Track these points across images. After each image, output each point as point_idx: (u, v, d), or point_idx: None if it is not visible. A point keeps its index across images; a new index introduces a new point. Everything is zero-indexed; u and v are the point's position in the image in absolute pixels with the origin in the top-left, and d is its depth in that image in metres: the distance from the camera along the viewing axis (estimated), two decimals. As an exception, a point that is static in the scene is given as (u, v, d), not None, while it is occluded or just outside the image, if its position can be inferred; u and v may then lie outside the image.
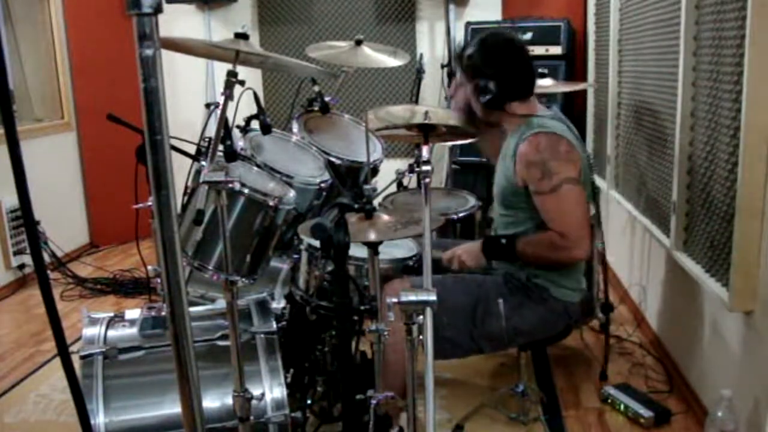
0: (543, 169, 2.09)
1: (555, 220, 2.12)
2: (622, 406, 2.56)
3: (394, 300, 1.40)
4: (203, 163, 2.08)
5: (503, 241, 2.19)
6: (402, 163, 4.61)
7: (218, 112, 2.06)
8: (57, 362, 2.74)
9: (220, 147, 2.03)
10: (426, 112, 1.81)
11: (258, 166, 2.27)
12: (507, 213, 2.25)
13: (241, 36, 2.14)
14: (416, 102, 3.80)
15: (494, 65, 2.16)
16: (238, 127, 2.37)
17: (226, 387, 1.89)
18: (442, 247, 2.35)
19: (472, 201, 2.94)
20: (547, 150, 2.10)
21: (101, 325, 2.04)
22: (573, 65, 4.24)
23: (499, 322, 2.17)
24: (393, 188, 2.75)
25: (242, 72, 2.10)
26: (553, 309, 2.22)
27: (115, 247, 5.06)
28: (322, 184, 2.40)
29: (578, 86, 3.13)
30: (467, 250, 2.25)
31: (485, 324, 2.17)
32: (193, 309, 2.18)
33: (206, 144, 2.18)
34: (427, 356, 1.32)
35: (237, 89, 2.08)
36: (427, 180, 1.67)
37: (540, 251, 2.16)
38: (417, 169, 1.69)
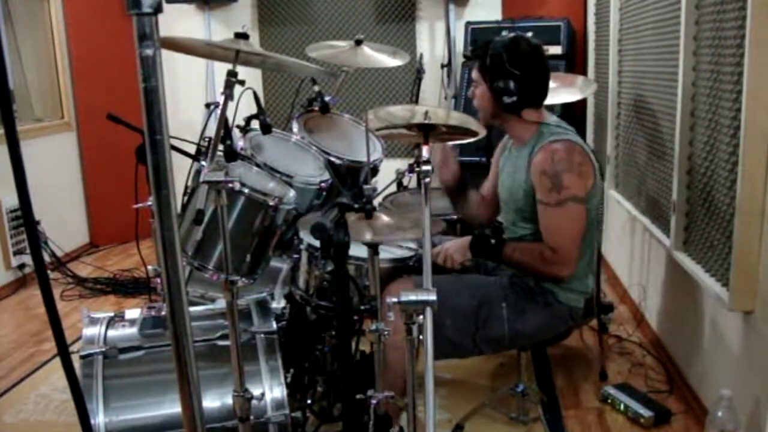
0: (554, 180, 2.09)
1: (551, 234, 2.12)
2: (622, 406, 2.56)
3: (394, 300, 1.40)
4: (203, 163, 2.08)
5: (492, 241, 2.20)
6: (402, 163, 4.61)
7: (218, 111, 2.06)
8: (57, 362, 2.74)
9: (220, 147, 2.03)
10: (426, 112, 1.80)
11: (258, 166, 2.27)
12: (529, 226, 2.23)
13: (241, 36, 2.15)
14: (416, 102, 3.79)
15: (521, 69, 2.13)
16: (238, 126, 2.37)
17: (226, 387, 1.89)
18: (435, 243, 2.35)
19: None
20: (562, 162, 2.09)
21: (101, 325, 2.04)
22: (573, 65, 4.24)
23: (501, 326, 2.17)
24: (393, 188, 2.75)
25: (242, 72, 2.10)
26: (557, 313, 2.22)
27: (115, 247, 5.06)
28: (322, 184, 2.40)
29: (580, 96, 3.13)
30: (455, 244, 2.26)
31: (487, 327, 2.17)
32: (193, 309, 2.18)
33: (206, 144, 2.18)
34: (427, 356, 1.32)
35: (237, 89, 2.08)
36: (427, 180, 1.67)
37: (527, 260, 2.16)
38: (417, 169, 1.69)
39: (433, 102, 4.57)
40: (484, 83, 2.19)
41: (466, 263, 2.26)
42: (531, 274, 2.19)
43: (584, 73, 4.33)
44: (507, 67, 2.13)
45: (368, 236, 1.73)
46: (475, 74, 2.23)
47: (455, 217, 2.78)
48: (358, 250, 2.06)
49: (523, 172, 2.18)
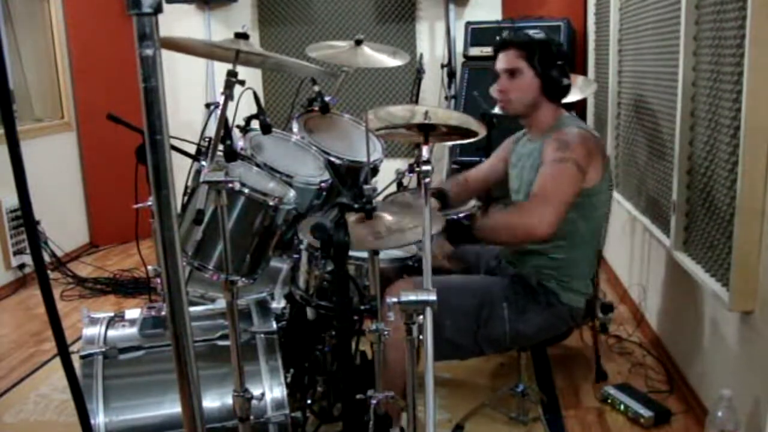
0: (563, 143, 2.12)
1: (538, 183, 2.10)
2: (622, 406, 2.56)
3: (394, 300, 1.40)
4: (203, 163, 2.09)
5: (466, 222, 2.21)
6: (402, 163, 4.61)
7: (218, 112, 2.06)
8: (57, 362, 2.74)
9: (220, 147, 2.03)
10: (426, 112, 1.80)
11: (258, 166, 2.27)
12: None
13: (241, 36, 2.15)
14: (416, 102, 3.79)
15: (563, 61, 2.22)
16: (238, 126, 2.37)
17: (226, 387, 1.89)
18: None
19: (472, 201, 2.93)
20: (577, 137, 2.14)
21: (101, 325, 2.04)
22: (573, 65, 4.24)
23: (503, 326, 2.17)
24: (393, 188, 2.75)
25: (242, 72, 2.10)
26: (558, 314, 2.22)
27: (115, 247, 5.06)
28: (322, 184, 2.40)
29: (580, 96, 3.13)
30: (434, 242, 2.24)
31: (488, 327, 2.17)
32: (193, 309, 2.19)
33: (206, 144, 2.18)
34: (427, 356, 1.32)
35: (237, 89, 2.08)
36: (427, 180, 1.67)
37: (502, 219, 2.16)
38: (417, 169, 1.69)
39: (433, 102, 4.57)
40: (531, 70, 2.20)
41: (460, 265, 2.26)
42: (506, 237, 2.18)
43: (584, 73, 4.33)
44: (557, 55, 2.20)
45: (369, 238, 1.73)
46: (516, 62, 2.21)
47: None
48: (358, 250, 2.06)
49: (538, 157, 2.20)
